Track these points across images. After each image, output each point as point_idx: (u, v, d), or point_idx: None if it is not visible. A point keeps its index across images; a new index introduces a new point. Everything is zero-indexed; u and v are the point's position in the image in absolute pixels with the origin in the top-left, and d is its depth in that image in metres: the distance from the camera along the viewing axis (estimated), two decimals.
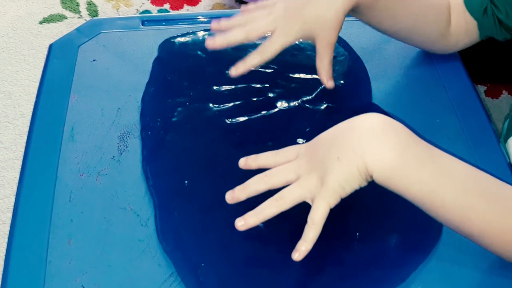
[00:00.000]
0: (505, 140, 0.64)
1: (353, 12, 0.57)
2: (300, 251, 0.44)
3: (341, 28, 0.56)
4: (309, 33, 0.56)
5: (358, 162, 0.43)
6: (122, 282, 0.48)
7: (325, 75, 0.57)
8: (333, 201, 0.44)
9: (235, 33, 0.56)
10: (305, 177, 0.45)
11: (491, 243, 0.44)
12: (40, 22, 1.44)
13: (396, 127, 0.44)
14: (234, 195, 0.47)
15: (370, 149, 0.43)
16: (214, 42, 0.57)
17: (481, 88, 1.28)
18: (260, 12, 0.57)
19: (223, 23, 0.58)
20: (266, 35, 0.56)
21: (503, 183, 0.45)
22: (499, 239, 0.44)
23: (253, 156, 0.49)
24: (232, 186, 0.54)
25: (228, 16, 0.74)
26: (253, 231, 0.51)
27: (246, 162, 0.49)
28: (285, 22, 0.55)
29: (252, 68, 0.57)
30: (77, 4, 1.48)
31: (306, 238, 0.44)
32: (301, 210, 0.52)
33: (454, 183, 0.43)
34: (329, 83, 0.58)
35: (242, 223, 0.46)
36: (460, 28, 0.63)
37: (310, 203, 0.45)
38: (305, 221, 0.45)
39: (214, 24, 0.58)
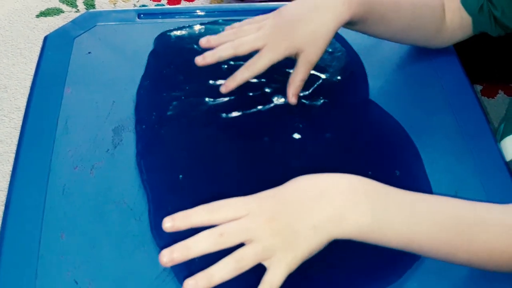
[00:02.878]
0: (501, 140, 0.64)
1: (346, 24, 0.57)
2: None
3: (326, 48, 0.56)
4: (296, 50, 0.56)
5: (334, 231, 0.42)
6: (115, 276, 0.48)
7: (292, 90, 0.58)
8: (295, 267, 0.42)
9: (224, 48, 0.57)
10: (268, 240, 0.41)
11: (482, 267, 0.45)
12: (37, 16, 1.43)
13: (364, 186, 0.43)
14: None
15: (346, 218, 0.42)
16: (204, 59, 0.57)
17: (477, 88, 1.28)
18: (250, 27, 0.58)
19: (213, 39, 0.58)
20: (255, 50, 0.56)
21: (479, 205, 0.45)
22: (488, 264, 0.44)
23: (180, 214, 0.42)
24: (227, 181, 0.54)
25: (225, 10, 0.74)
26: None
27: (173, 224, 0.42)
28: (275, 39, 0.56)
29: (242, 83, 0.57)
30: None
31: None
32: None
33: (431, 228, 0.43)
34: (292, 99, 0.58)
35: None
36: (455, 24, 0.63)
37: (267, 265, 0.42)
38: None
39: (203, 41, 0.58)
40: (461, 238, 0.43)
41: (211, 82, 0.62)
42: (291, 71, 0.63)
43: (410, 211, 0.43)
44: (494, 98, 1.26)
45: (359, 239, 0.43)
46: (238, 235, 0.41)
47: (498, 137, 0.65)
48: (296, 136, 0.57)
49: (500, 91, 1.28)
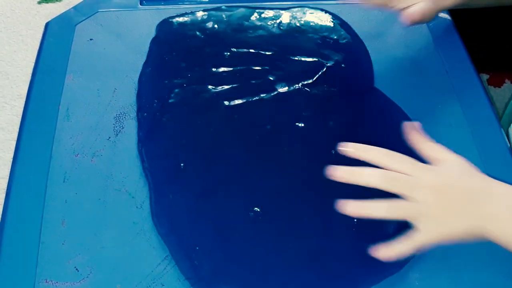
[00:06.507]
0: (507, 126, 0.63)
1: None
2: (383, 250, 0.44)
3: None
4: None
5: (488, 230, 0.42)
6: (116, 264, 0.47)
7: (410, 17, 0.59)
8: (436, 243, 0.43)
9: None
10: (428, 206, 0.43)
11: None
12: (39, 2, 1.42)
13: None
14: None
15: (504, 222, 0.42)
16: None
17: (484, 77, 1.27)
18: None
19: None
20: None
21: None
22: None
23: (361, 145, 0.46)
24: (228, 169, 0.53)
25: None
26: (247, 216, 0.50)
27: (355, 152, 0.45)
28: None
29: None
30: None
31: (397, 248, 0.44)
32: (296, 194, 0.51)
33: None
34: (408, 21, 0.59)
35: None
36: None
37: (415, 224, 0.44)
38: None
39: None
40: None
41: (213, 69, 0.61)
42: (295, 58, 0.63)
43: None
44: (500, 87, 1.25)
45: (507, 247, 0.42)
46: (406, 187, 0.43)
47: (504, 124, 0.64)
48: (300, 124, 0.57)
49: (506, 80, 1.27)
